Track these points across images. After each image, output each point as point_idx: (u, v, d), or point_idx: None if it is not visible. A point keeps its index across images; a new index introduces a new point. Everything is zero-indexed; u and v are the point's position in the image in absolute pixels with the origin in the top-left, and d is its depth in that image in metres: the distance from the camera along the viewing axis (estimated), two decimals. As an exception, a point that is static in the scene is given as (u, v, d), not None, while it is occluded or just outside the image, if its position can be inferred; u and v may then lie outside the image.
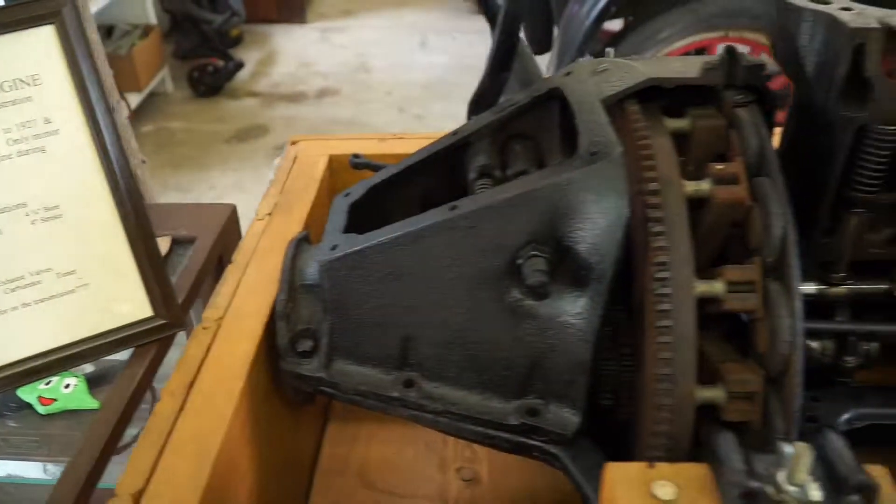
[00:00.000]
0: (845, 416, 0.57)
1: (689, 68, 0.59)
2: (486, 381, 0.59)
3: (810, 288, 0.59)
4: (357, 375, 0.63)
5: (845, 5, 0.51)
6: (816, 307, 0.62)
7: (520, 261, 0.55)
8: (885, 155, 0.52)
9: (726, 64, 0.57)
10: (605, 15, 2.10)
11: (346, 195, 0.69)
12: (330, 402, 0.88)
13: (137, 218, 0.66)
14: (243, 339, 0.64)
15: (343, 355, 0.63)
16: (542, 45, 2.49)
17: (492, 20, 1.68)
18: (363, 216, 0.67)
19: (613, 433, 0.60)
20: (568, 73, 0.65)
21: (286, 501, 0.74)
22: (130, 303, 0.67)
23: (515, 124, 0.67)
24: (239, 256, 0.74)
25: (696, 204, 0.54)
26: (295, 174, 0.90)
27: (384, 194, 0.69)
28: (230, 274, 0.71)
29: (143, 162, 2.00)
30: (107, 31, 3.30)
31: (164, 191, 2.87)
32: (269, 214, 0.81)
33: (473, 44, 3.96)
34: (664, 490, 0.40)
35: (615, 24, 2.36)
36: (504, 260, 0.56)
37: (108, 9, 3.11)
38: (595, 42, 2.29)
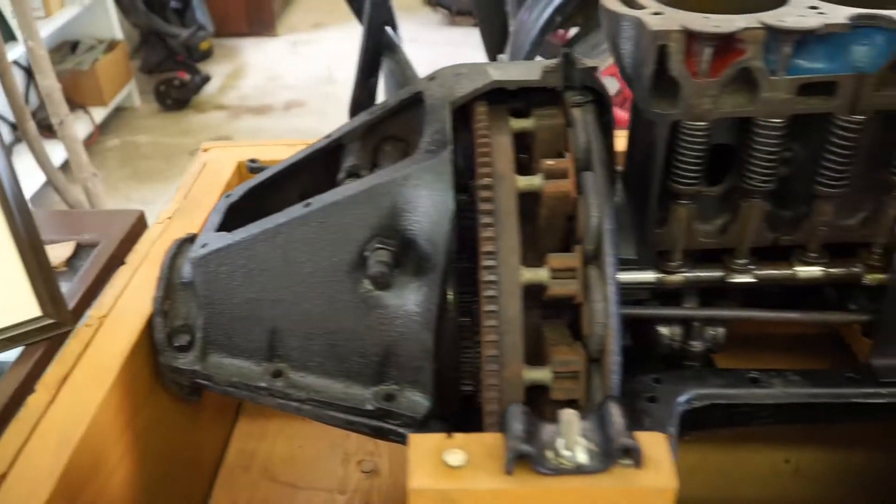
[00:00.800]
0: (684, 397, 0.60)
1: (532, 72, 0.62)
2: (347, 369, 0.62)
3: (649, 276, 0.63)
4: (230, 367, 0.66)
5: (657, 10, 0.55)
6: (666, 294, 0.66)
7: (367, 253, 0.58)
8: (698, 149, 0.56)
9: (563, 67, 0.61)
10: (550, 25, 2.14)
11: (228, 196, 0.72)
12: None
13: (24, 224, 0.69)
14: (123, 336, 0.66)
15: (217, 349, 0.66)
16: (498, 52, 2.53)
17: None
18: (244, 217, 0.70)
19: (476, 419, 0.64)
20: (432, 78, 0.68)
21: (179, 496, 0.76)
22: (19, 303, 0.70)
23: (387, 126, 0.70)
24: (132, 258, 0.77)
25: (533, 198, 0.58)
26: (202, 180, 0.93)
27: (264, 195, 0.72)
28: (120, 275, 0.74)
29: (95, 175, 2.02)
30: (71, 47, 3.32)
31: (127, 203, 2.89)
32: (169, 218, 0.84)
33: (442, 56, 3.98)
34: (454, 457, 0.43)
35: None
36: (354, 253, 0.59)
37: (73, 24, 3.13)
38: (551, 48, 2.33)
